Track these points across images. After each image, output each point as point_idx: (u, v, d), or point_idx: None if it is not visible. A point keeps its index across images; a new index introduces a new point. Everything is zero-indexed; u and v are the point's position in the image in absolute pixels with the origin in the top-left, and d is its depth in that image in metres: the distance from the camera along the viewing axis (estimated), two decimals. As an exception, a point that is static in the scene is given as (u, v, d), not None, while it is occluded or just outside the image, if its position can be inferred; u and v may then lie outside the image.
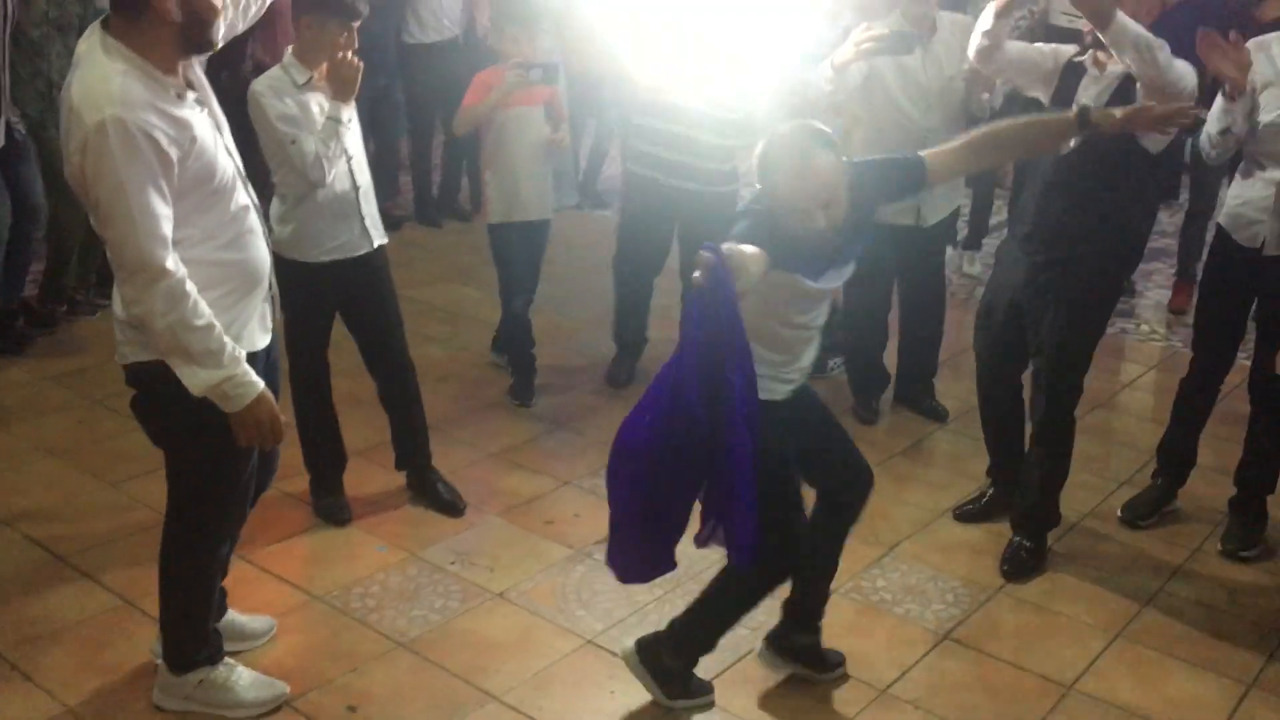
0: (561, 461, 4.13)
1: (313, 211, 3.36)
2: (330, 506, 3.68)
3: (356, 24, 3.31)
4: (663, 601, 3.27)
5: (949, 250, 5.53)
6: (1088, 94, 3.29)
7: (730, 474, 2.40)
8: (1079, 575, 3.54)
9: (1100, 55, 3.30)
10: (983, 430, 3.84)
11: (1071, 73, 3.41)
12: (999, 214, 6.55)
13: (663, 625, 2.93)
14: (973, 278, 6.15)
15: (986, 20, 3.38)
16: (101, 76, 2.21)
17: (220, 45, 2.48)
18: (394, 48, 6.37)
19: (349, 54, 3.25)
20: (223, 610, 2.96)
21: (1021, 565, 3.55)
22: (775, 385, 2.69)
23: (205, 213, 2.38)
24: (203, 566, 2.72)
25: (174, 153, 2.25)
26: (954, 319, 4.87)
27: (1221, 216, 3.65)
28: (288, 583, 3.33)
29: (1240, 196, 3.54)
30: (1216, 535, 3.77)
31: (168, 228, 2.27)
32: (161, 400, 2.46)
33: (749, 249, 2.23)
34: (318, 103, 3.30)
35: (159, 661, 2.81)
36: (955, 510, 3.88)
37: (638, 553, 2.64)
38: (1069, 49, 3.47)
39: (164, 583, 2.73)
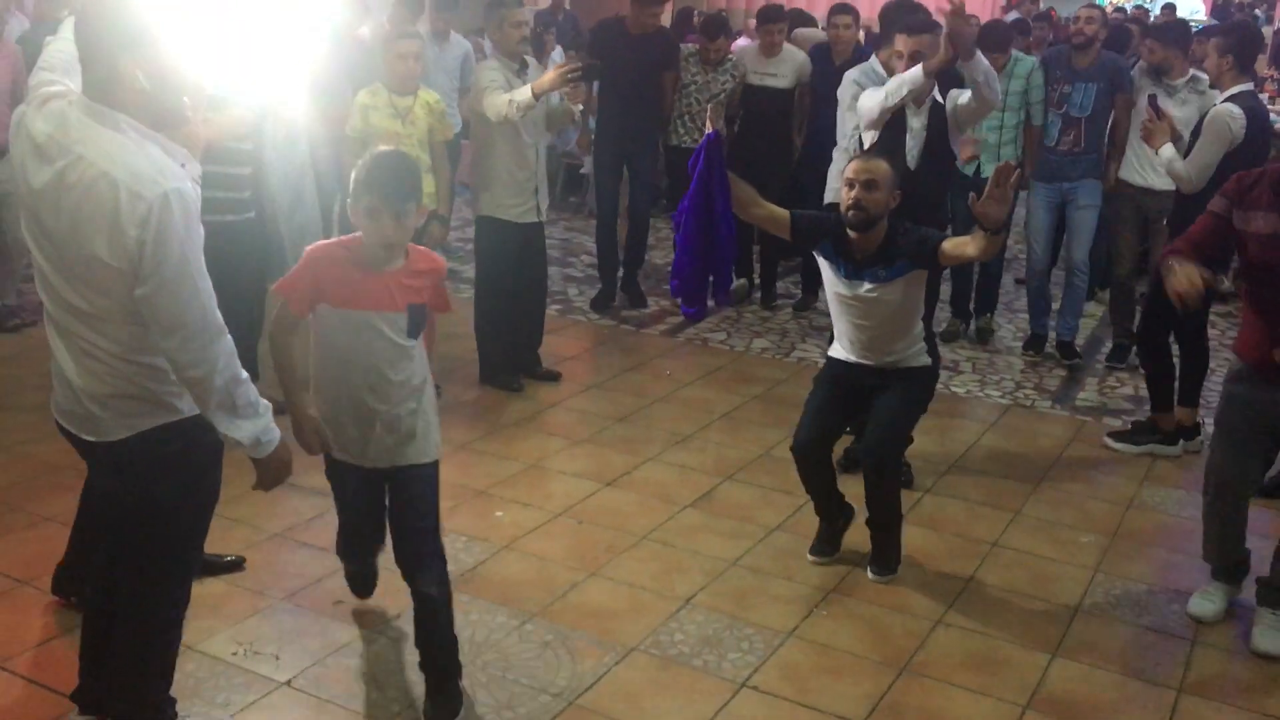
0: (349, 537, 3.98)
1: None
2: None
3: None
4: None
5: None
6: (917, 119, 4.45)
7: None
8: (862, 613, 3.68)
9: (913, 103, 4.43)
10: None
11: (897, 112, 4.44)
12: None
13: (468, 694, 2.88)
14: None
15: (910, 81, 4.28)
16: (136, 150, 2.27)
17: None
18: None
19: None
20: None
21: None
22: (836, 347, 3.96)
23: None
24: (180, 626, 2.74)
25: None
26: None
27: (832, 195, 5.12)
28: (51, 690, 3.06)
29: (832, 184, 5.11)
30: (985, 564, 4.00)
31: None
32: (166, 463, 2.48)
33: (744, 185, 3.90)
34: None
35: None
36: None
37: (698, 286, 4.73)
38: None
39: (150, 656, 2.69)
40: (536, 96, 4.88)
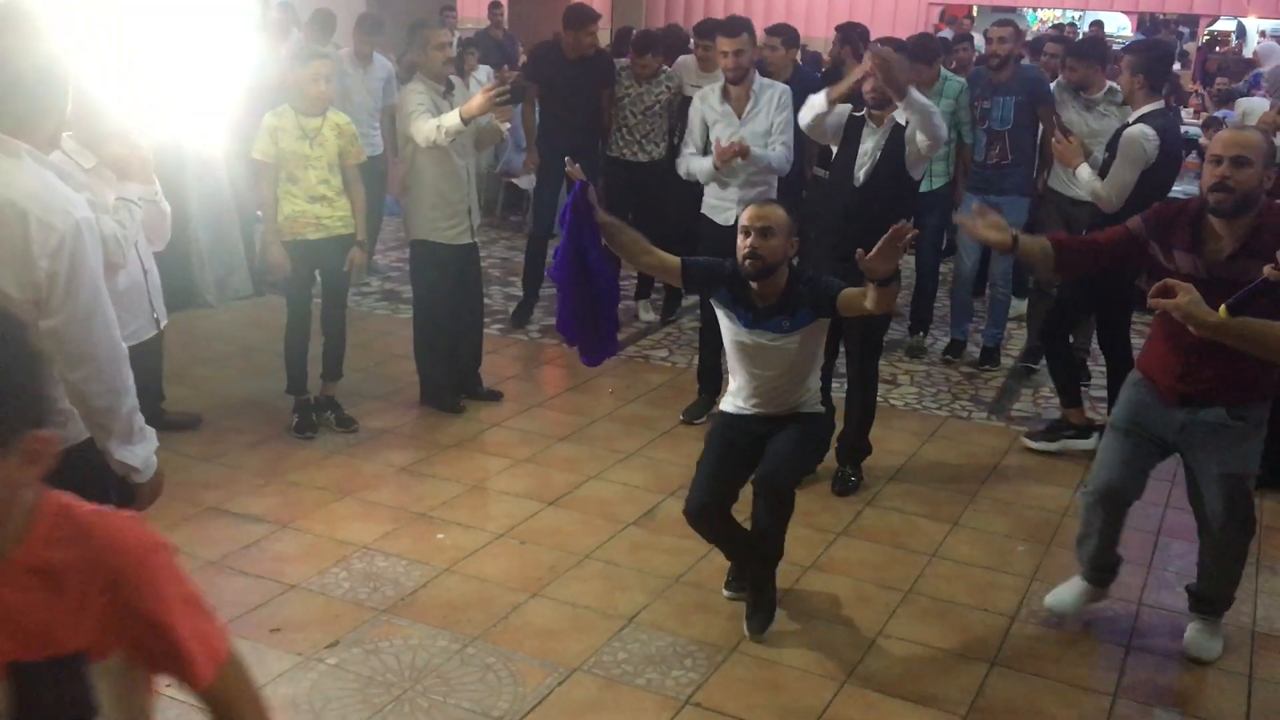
0: (287, 564, 3.93)
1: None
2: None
3: None
4: (401, 701, 3.16)
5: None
6: (870, 139, 4.50)
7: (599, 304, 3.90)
8: (805, 626, 3.70)
9: (875, 113, 4.49)
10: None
11: (854, 125, 4.58)
12: None
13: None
14: (647, 323, 7.02)
15: (820, 104, 4.50)
16: (38, 179, 2.22)
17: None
18: None
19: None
20: None
21: None
22: (729, 401, 3.79)
23: None
24: None
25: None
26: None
27: (705, 208, 5.26)
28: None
29: (716, 195, 5.18)
30: (924, 574, 4.05)
31: None
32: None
33: (630, 232, 3.75)
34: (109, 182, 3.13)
35: None
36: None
37: (588, 339, 3.95)
38: (846, 107, 4.59)
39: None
40: (465, 121, 4.86)
